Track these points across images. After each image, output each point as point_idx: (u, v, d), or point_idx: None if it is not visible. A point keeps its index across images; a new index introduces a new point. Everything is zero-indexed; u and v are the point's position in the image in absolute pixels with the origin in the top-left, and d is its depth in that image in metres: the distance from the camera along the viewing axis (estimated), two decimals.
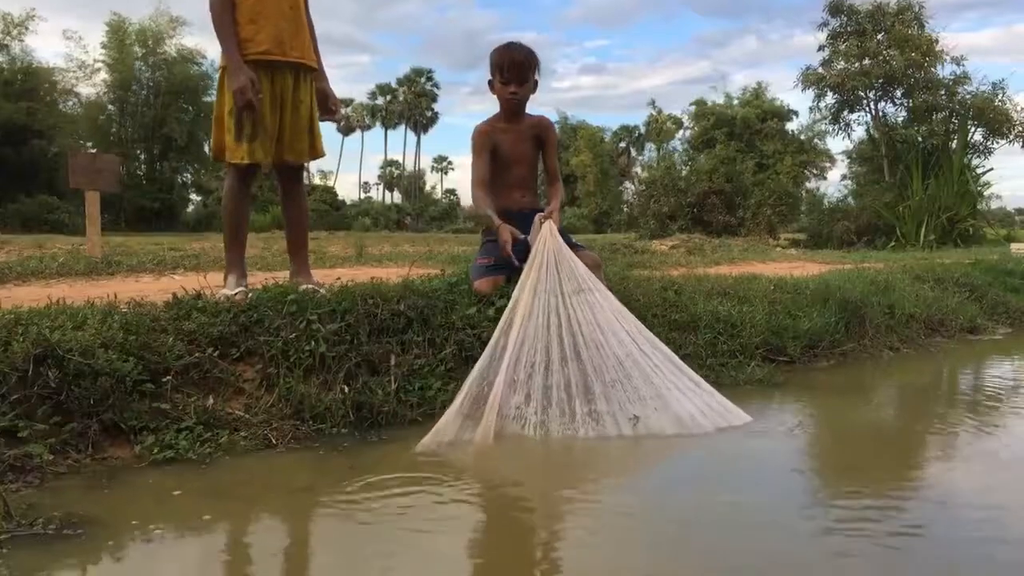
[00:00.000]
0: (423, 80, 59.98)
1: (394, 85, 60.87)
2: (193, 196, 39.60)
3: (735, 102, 33.63)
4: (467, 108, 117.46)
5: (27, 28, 31.31)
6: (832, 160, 33.21)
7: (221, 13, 3.08)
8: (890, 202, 17.52)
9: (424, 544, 1.87)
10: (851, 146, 22.23)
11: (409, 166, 66.10)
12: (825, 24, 19.92)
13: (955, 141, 17.72)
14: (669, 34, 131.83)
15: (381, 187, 71.11)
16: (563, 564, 1.80)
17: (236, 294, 3.04)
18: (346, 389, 2.77)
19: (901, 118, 19.78)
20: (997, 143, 18.58)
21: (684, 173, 21.43)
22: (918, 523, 2.03)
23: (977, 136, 18.43)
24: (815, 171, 33.68)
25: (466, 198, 64.83)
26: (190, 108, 35.34)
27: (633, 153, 55.42)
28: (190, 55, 35.03)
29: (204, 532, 1.95)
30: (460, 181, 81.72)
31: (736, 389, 3.46)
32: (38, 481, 2.12)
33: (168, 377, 2.52)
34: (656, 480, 2.51)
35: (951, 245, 14.56)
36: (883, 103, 19.93)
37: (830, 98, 20.18)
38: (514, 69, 3.34)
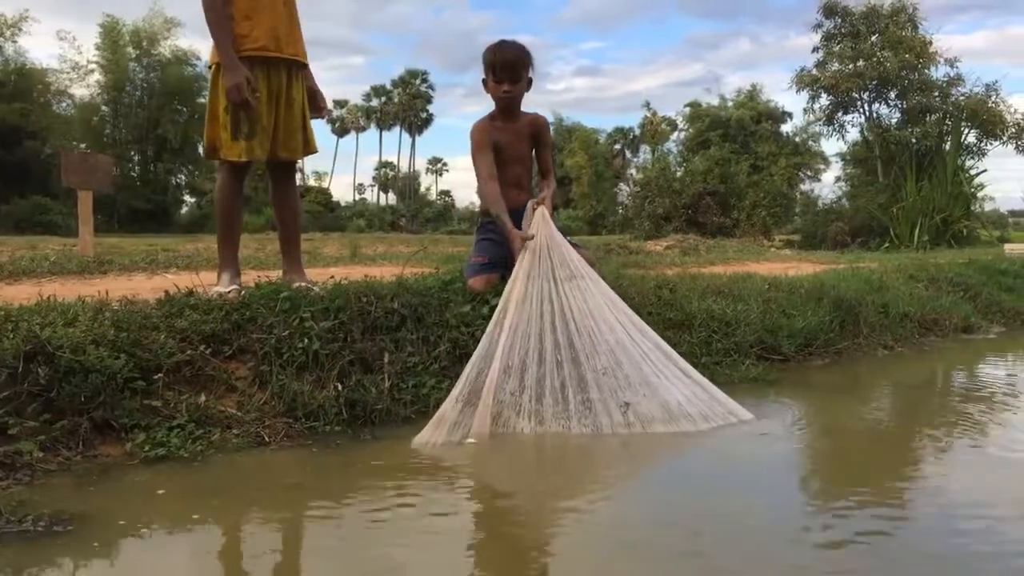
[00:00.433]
0: (418, 82, 59.97)
1: (389, 87, 60.91)
2: (187, 197, 39.53)
3: (729, 104, 33.66)
4: (462, 110, 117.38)
5: (20, 29, 31.29)
6: (826, 162, 33.28)
7: (216, 9, 3.06)
8: (884, 203, 17.56)
9: (416, 542, 1.85)
10: (845, 148, 22.30)
11: (404, 167, 66.16)
12: (819, 26, 20.00)
13: (949, 143, 17.76)
14: (662, 36, 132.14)
15: (376, 188, 71.15)
16: (554, 564, 1.79)
17: (229, 291, 3.02)
18: (339, 387, 2.76)
19: (895, 120, 19.86)
20: (990, 145, 18.66)
21: (679, 174, 21.44)
22: (911, 521, 2.03)
23: (970, 138, 18.49)
24: (809, 173, 33.73)
25: (461, 199, 65.00)
26: (184, 109, 35.30)
27: (628, 155, 55.49)
28: (184, 56, 35.01)
29: (195, 530, 1.93)
30: (455, 182, 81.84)
31: (731, 387, 3.44)
32: (28, 478, 2.10)
33: (160, 374, 2.51)
34: (651, 480, 2.50)
35: (945, 246, 14.59)
36: (877, 105, 20.03)
37: (824, 100, 20.25)
38: (506, 67, 3.33)
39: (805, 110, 21.22)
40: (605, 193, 45.70)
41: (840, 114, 20.55)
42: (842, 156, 22.94)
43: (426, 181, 72.70)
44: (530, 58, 3.38)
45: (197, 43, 36.37)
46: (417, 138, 63.62)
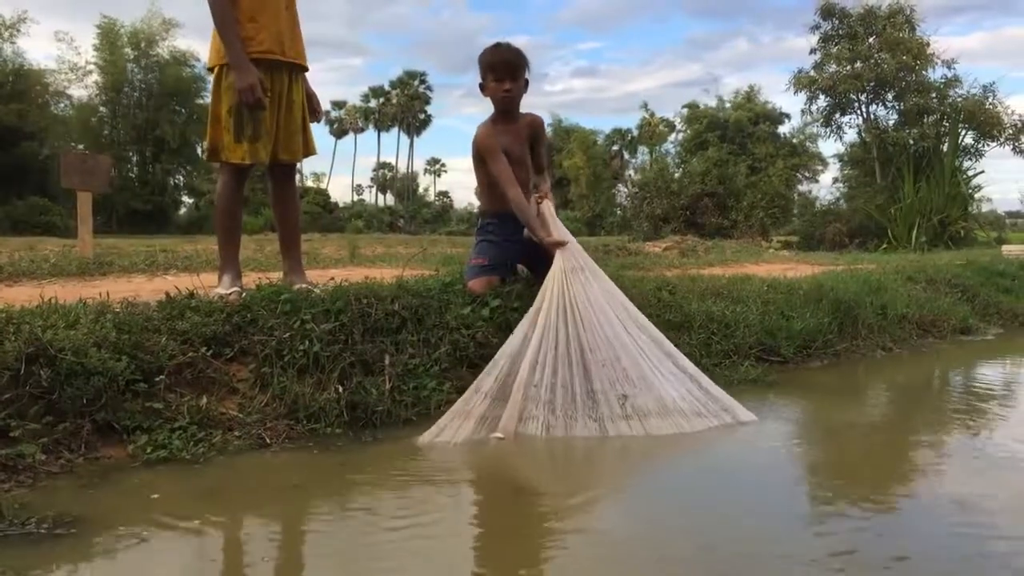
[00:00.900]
0: (416, 83, 59.98)
1: (387, 88, 60.89)
2: (185, 198, 39.51)
3: (727, 105, 33.71)
4: (460, 111, 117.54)
5: (18, 30, 31.20)
6: (824, 163, 33.33)
7: (224, 10, 3.05)
8: (882, 204, 17.60)
9: (417, 544, 1.86)
10: (843, 149, 22.34)
11: (402, 168, 66.15)
12: (817, 27, 20.04)
13: (946, 144, 17.81)
14: (660, 36, 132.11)
15: (374, 189, 71.13)
16: (555, 568, 1.80)
17: (230, 293, 3.03)
18: (340, 389, 2.77)
19: (892, 121, 19.89)
20: (988, 146, 18.70)
21: (677, 176, 21.49)
22: (909, 523, 2.04)
23: (968, 139, 18.53)
24: (807, 174, 33.79)
25: (459, 200, 65.00)
26: (182, 110, 35.28)
27: (626, 156, 55.52)
28: (183, 57, 34.97)
29: (197, 532, 1.94)
30: (453, 183, 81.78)
31: (730, 389, 3.45)
32: (30, 481, 2.10)
33: (161, 376, 2.51)
34: (652, 482, 2.51)
35: (942, 247, 14.62)
36: (874, 106, 20.07)
37: (822, 101, 20.30)
38: (506, 67, 3.35)
39: (803, 111, 21.29)
40: (603, 194, 45.77)
41: (838, 115, 20.60)
42: (840, 157, 22.99)
43: (424, 182, 72.76)
44: (527, 60, 3.40)
45: (195, 44, 36.40)
46: (415, 139, 63.69)
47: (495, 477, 2.49)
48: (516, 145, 3.46)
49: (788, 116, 33.84)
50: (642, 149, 53.83)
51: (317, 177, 62.14)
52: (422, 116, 61.22)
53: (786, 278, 5.16)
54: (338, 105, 62.09)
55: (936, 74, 19.26)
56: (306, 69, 3.34)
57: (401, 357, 2.97)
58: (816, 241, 17.99)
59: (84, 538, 1.79)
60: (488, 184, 3.43)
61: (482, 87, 3.43)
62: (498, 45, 3.40)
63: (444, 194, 71.90)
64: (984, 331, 5.64)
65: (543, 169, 3.65)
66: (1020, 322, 6.08)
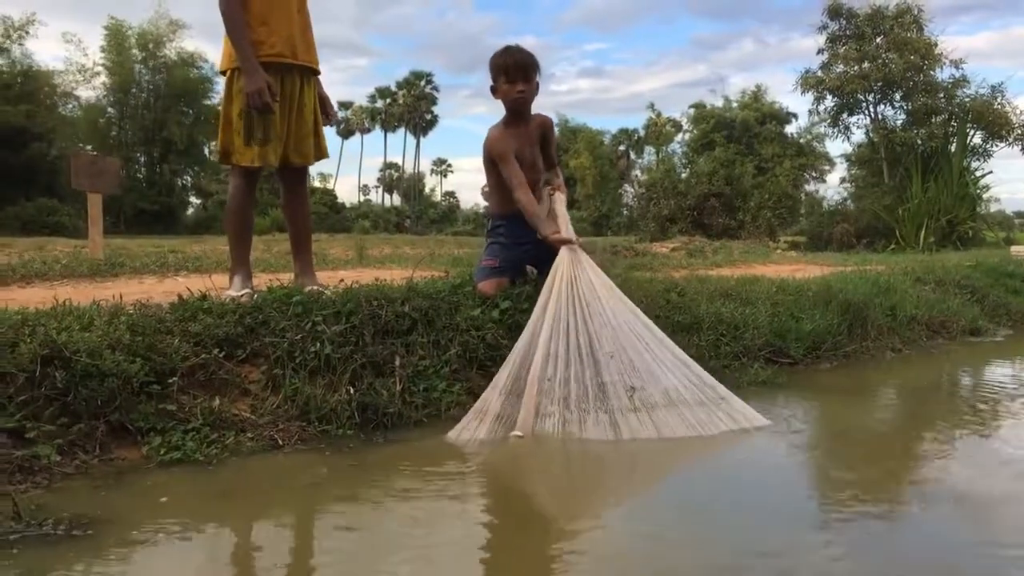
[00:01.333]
0: (422, 83, 60.02)
1: (393, 88, 60.94)
2: (193, 199, 39.65)
3: (734, 105, 33.70)
4: (466, 111, 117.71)
5: (27, 32, 31.33)
6: (831, 163, 33.29)
7: (234, 13, 3.07)
8: (889, 205, 17.54)
9: (429, 546, 1.87)
10: (850, 149, 22.28)
11: (409, 169, 66.22)
12: (824, 27, 19.97)
13: (954, 144, 17.73)
14: (666, 37, 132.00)
15: (380, 190, 71.23)
16: (563, 566, 1.81)
17: (242, 295, 3.04)
18: (351, 390, 2.78)
19: (900, 121, 19.81)
20: (996, 146, 18.61)
21: (684, 176, 21.46)
22: (923, 531, 2.04)
23: (976, 139, 18.46)
24: (814, 174, 33.75)
25: (465, 200, 65.05)
26: (190, 111, 35.42)
27: (632, 156, 55.47)
28: (190, 59, 35.12)
29: (212, 533, 1.96)
30: (460, 184, 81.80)
31: (740, 391, 3.45)
32: (46, 482, 2.12)
33: (174, 378, 2.52)
34: (666, 485, 2.51)
35: (950, 248, 14.56)
36: (882, 106, 19.99)
37: (829, 101, 20.24)
38: (519, 68, 3.36)
39: (810, 112, 21.25)
40: (609, 194, 45.72)
41: (845, 116, 20.53)
42: (847, 157, 22.94)
43: (431, 182, 72.86)
44: (538, 63, 3.42)
45: (203, 45, 36.61)
46: (422, 139, 63.67)
47: (507, 481, 2.49)
48: (527, 148, 3.47)
49: (795, 116, 33.83)
50: (649, 149, 53.80)
51: (324, 177, 62.27)
52: (428, 117, 61.26)
53: (795, 279, 5.15)
54: (345, 105, 62.18)
55: (944, 74, 19.20)
56: (318, 72, 3.35)
57: (412, 359, 2.98)
58: (824, 242, 17.94)
59: (101, 539, 1.81)
60: (499, 186, 3.44)
61: (493, 89, 3.43)
62: (509, 48, 3.41)
63: (450, 194, 72.10)
64: (994, 332, 5.62)
65: (554, 165, 3.67)
66: None
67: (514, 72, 3.35)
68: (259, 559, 1.84)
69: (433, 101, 60.84)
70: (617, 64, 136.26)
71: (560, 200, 3.40)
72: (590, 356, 2.81)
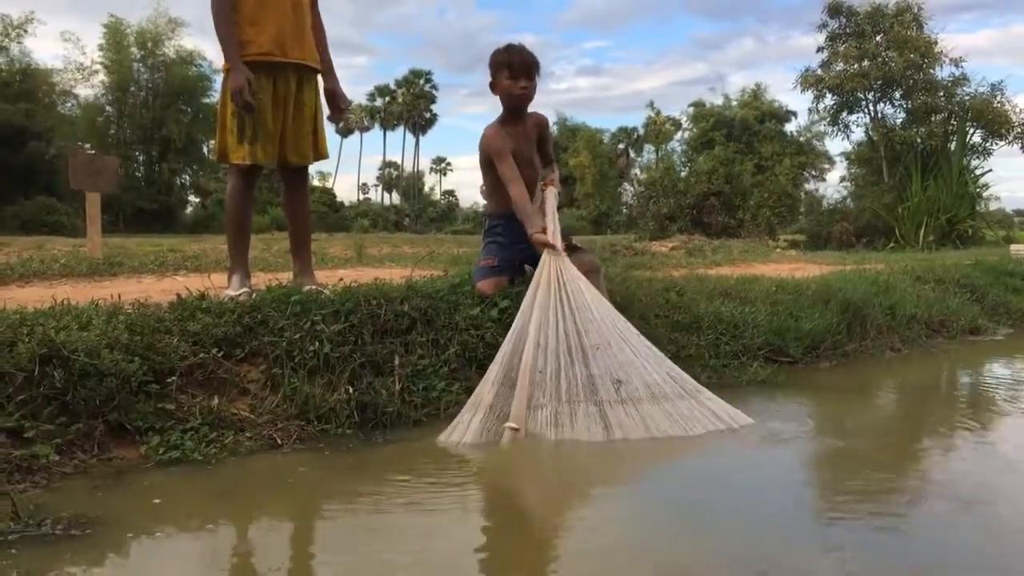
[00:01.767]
0: (422, 82, 59.98)
1: (393, 87, 60.89)
2: (191, 198, 39.62)
3: (733, 103, 33.68)
4: (465, 110, 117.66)
5: (25, 30, 31.30)
6: (831, 161, 33.28)
7: (223, 14, 3.08)
8: (889, 203, 17.54)
9: (428, 546, 1.87)
10: (850, 147, 22.28)
11: (408, 167, 66.21)
12: (824, 25, 19.98)
13: (954, 142, 17.75)
14: (666, 36, 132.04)
15: (380, 188, 71.21)
16: (562, 569, 1.80)
17: (240, 295, 3.04)
18: (350, 390, 2.78)
19: (900, 119, 19.84)
20: (996, 144, 18.64)
21: (683, 174, 21.44)
22: (919, 525, 2.04)
23: (976, 138, 18.48)
24: (814, 172, 33.73)
25: (465, 199, 65.04)
26: (189, 110, 35.36)
27: (632, 155, 55.46)
28: (189, 57, 35.06)
29: (211, 533, 1.95)
30: (459, 182, 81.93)
31: (739, 390, 3.47)
32: (45, 481, 2.12)
33: (173, 378, 2.52)
34: (659, 483, 2.51)
35: (950, 246, 14.58)
36: (882, 104, 20.00)
37: (829, 100, 20.25)
38: (524, 65, 3.37)
39: (810, 110, 21.27)
40: (609, 193, 45.69)
41: (845, 114, 20.55)
42: (847, 156, 22.95)
43: (430, 181, 72.83)
44: (539, 64, 3.43)
45: (202, 43, 36.56)
46: (421, 138, 63.67)
47: (506, 480, 2.49)
48: (524, 146, 3.47)
49: (794, 114, 33.80)
50: (648, 148, 53.78)
51: (323, 176, 62.22)
52: (428, 115, 61.23)
53: (794, 278, 5.15)
54: None
55: (944, 72, 19.21)
56: (317, 71, 3.34)
57: (411, 358, 2.98)
58: (823, 240, 17.94)
59: (99, 539, 1.80)
60: (496, 186, 3.43)
61: (492, 85, 3.43)
62: (512, 45, 3.41)
63: (450, 193, 72.16)
64: (993, 331, 5.62)
65: (551, 162, 3.68)
66: None
67: (519, 68, 3.36)
68: (258, 559, 1.83)
69: (432, 100, 60.83)
70: (616, 63, 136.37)
71: (551, 196, 3.40)
72: (579, 348, 2.82)
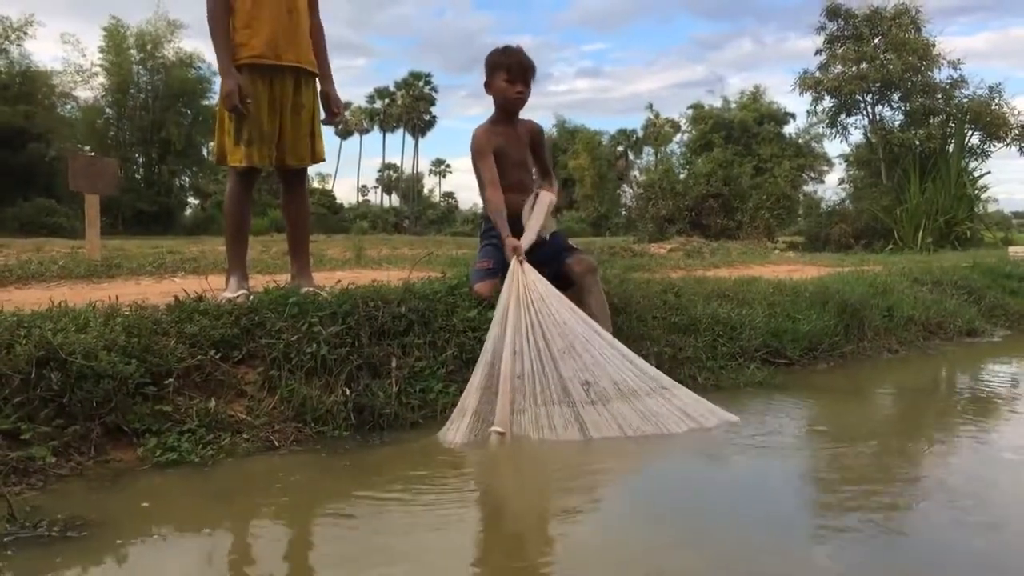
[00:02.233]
0: (421, 83, 60.01)
1: (392, 88, 60.92)
2: (191, 199, 39.62)
3: (732, 106, 33.71)
4: (463, 111, 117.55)
5: (25, 33, 31.31)
6: (829, 163, 33.32)
7: (217, 19, 3.10)
8: (888, 205, 17.55)
9: (426, 547, 1.87)
10: (848, 149, 22.29)
11: (407, 169, 66.22)
12: (822, 28, 19.98)
13: (952, 144, 17.75)
14: (664, 37, 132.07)
15: (379, 190, 71.20)
16: (557, 568, 1.81)
17: (238, 296, 3.04)
18: (347, 392, 2.78)
19: (898, 122, 19.82)
20: (994, 146, 18.60)
21: (682, 176, 21.46)
22: (916, 526, 2.04)
23: (974, 139, 18.46)
24: (812, 174, 33.78)
25: (464, 201, 65.00)
26: (188, 112, 35.41)
27: (631, 157, 55.51)
28: (188, 59, 35.10)
29: (207, 534, 1.96)
30: (458, 184, 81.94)
31: (736, 391, 3.47)
32: (41, 483, 2.12)
33: (170, 379, 2.52)
34: (652, 481, 2.52)
35: (948, 248, 14.58)
36: (880, 107, 19.99)
37: (827, 102, 20.24)
38: (522, 69, 3.38)
39: (808, 112, 21.26)
40: (608, 195, 45.74)
41: (843, 116, 20.54)
42: (845, 158, 22.95)
43: (429, 183, 72.81)
44: (536, 69, 3.45)
45: (201, 46, 36.51)
46: (420, 140, 63.68)
47: (504, 481, 2.50)
48: (516, 147, 3.48)
49: (793, 116, 33.85)
50: (647, 150, 53.89)
51: (322, 178, 62.24)
52: (427, 117, 61.25)
53: (792, 280, 5.16)
54: (343, 106, 62.04)
55: (942, 75, 19.21)
56: (314, 74, 3.34)
57: (408, 360, 2.98)
58: (822, 242, 17.94)
59: (95, 541, 1.80)
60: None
61: (487, 85, 3.44)
62: (510, 47, 3.43)
63: (449, 195, 72.11)
64: (991, 333, 5.62)
65: (548, 173, 3.68)
66: None
67: (516, 72, 3.37)
68: (255, 561, 1.84)
69: (431, 102, 60.83)
70: (615, 64, 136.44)
71: (543, 197, 3.41)
72: (548, 353, 2.84)
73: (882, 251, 14.10)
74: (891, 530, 1.98)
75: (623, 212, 39.76)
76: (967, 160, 17.87)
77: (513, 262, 3.08)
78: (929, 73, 19.00)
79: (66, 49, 51.70)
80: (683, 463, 2.64)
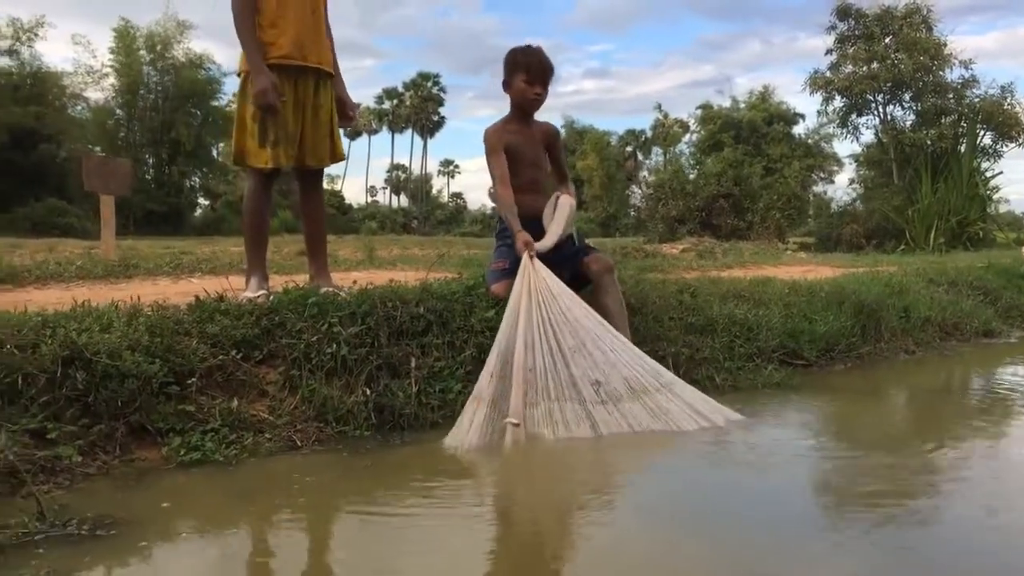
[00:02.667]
0: (429, 84, 60.09)
1: (400, 89, 61.03)
2: (201, 200, 39.76)
3: (741, 106, 33.60)
4: (471, 112, 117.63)
5: (36, 34, 31.49)
6: (840, 164, 33.19)
7: (244, 17, 3.09)
8: (899, 205, 17.48)
9: (447, 547, 1.88)
10: (859, 150, 22.21)
11: (416, 170, 66.31)
12: (833, 28, 19.94)
13: (964, 144, 17.66)
14: (672, 38, 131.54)
15: (388, 191, 71.32)
16: (575, 570, 1.81)
17: (258, 296, 3.05)
18: (368, 392, 2.79)
19: (909, 122, 19.75)
20: (1006, 146, 18.53)
21: (692, 177, 21.41)
22: (935, 530, 2.04)
23: (986, 139, 18.38)
24: (823, 175, 33.66)
25: (473, 202, 64.99)
26: (198, 112, 35.53)
27: (640, 157, 55.42)
28: (198, 60, 35.21)
29: (233, 533, 1.97)
30: (467, 185, 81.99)
31: (754, 392, 3.47)
32: (68, 482, 2.13)
33: (193, 379, 2.54)
34: (669, 477, 2.51)
35: (961, 249, 14.50)
36: (891, 107, 19.94)
37: (838, 102, 20.18)
38: (542, 71, 3.39)
39: (819, 112, 21.19)
40: (617, 195, 45.69)
41: (854, 116, 20.48)
42: (856, 158, 22.85)
43: (438, 183, 72.84)
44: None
45: (211, 46, 36.72)
46: (429, 140, 63.76)
47: (522, 482, 2.50)
48: (530, 146, 3.48)
49: (803, 116, 33.72)
50: (656, 150, 53.76)
51: (331, 179, 62.24)
52: (435, 118, 61.32)
53: (807, 280, 5.14)
54: None
55: (953, 74, 19.13)
56: (332, 75, 3.35)
57: (427, 360, 2.99)
58: (833, 243, 17.89)
59: (124, 539, 1.82)
60: None
61: (506, 84, 3.44)
62: (531, 48, 3.42)
63: (458, 195, 72.12)
64: (1008, 334, 5.59)
65: (566, 177, 3.68)
66: None
67: (536, 73, 3.37)
68: (278, 560, 1.85)
69: (440, 102, 60.87)
70: (623, 65, 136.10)
71: (562, 204, 3.40)
72: (559, 351, 2.85)
73: (894, 252, 14.04)
74: (910, 533, 1.97)
75: (632, 213, 39.76)
76: (979, 160, 17.77)
77: (524, 258, 3.07)
78: (941, 73, 18.93)
79: (77, 50, 52.12)
80: (702, 466, 2.63)
